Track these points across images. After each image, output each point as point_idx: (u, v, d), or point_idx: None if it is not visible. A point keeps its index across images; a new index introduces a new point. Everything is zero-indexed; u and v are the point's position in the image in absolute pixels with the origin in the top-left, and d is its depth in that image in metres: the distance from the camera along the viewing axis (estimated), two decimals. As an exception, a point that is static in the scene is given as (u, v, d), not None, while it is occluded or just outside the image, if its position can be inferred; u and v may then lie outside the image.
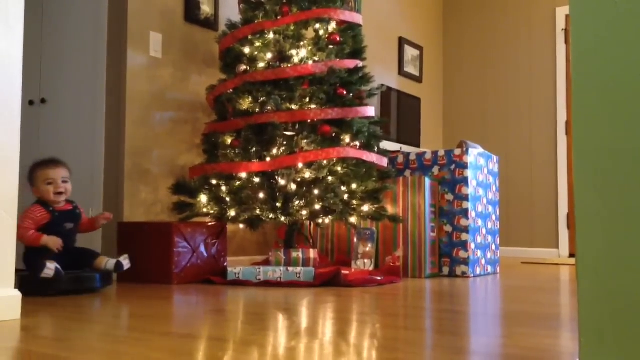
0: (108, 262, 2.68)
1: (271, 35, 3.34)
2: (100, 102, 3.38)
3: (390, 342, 1.55)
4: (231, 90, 3.31)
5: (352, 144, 3.24)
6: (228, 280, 2.99)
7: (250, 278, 2.98)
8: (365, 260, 3.33)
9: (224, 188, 3.20)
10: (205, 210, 3.24)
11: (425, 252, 3.44)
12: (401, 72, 5.68)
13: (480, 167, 3.73)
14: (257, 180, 3.14)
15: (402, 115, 5.03)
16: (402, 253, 3.42)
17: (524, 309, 2.16)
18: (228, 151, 3.25)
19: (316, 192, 3.08)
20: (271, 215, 3.13)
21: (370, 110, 3.33)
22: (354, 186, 3.17)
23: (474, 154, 3.66)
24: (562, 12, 5.85)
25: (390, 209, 3.47)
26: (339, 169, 3.17)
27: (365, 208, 3.21)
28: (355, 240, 3.42)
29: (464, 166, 3.57)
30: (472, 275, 3.52)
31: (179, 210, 3.29)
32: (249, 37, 3.34)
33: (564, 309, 2.21)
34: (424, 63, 6.08)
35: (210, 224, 3.24)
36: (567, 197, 5.65)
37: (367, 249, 3.36)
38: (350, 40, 3.40)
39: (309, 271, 2.95)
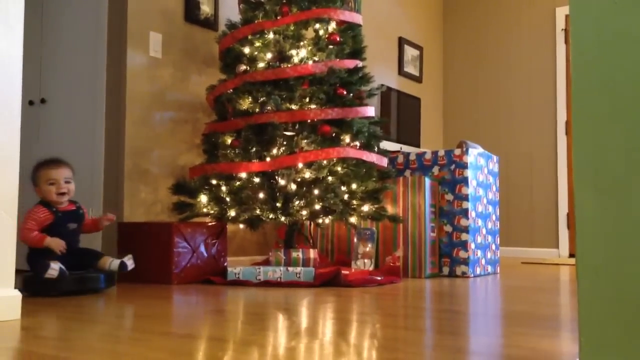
0: (112, 263, 2.68)
1: (271, 35, 3.34)
2: (100, 102, 3.38)
3: (390, 342, 1.55)
4: (231, 90, 3.31)
5: (352, 144, 3.24)
6: (228, 280, 2.99)
7: (250, 278, 2.98)
8: (365, 260, 3.33)
9: (224, 188, 3.20)
10: (205, 210, 3.24)
11: (425, 252, 3.44)
12: (401, 72, 5.68)
13: (480, 167, 3.73)
14: (257, 180, 3.14)
15: (402, 115, 5.03)
16: (402, 253, 3.42)
17: (524, 309, 2.16)
18: (228, 151, 3.25)
19: (316, 192, 3.08)
20: (271, 215, 3.13)
21: (370, 110, 3.33)
22: (354, 186, 3.17)
23: (474, 154, 3.66)
24: (562, 12, 5.86)
25: (390, 209, 3.47)
26: (339, 169, 3.17)
27: (365, 208, 3.21)
28: (355, 240, 3.42)
29: (464, 166, 3.57)
30: (472, 275, 3.52)
31: (179, 210, 3.29)
32: (249, 37, 3.34)
33: (564, 309, 2.21)
34: (424, 63, 6.09)
35: (210, 224, 3.24)
36: (567, 197, 5.65)
37: (367, 249, 3.36)
38: (350, 40, 3.40)
39: (309, 271, 2.95)
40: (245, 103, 3.24)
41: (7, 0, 1.96)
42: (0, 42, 1.94)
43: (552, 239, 5.71)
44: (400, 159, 3.86)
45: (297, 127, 3.22)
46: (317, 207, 3.10)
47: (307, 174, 3.11)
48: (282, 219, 3.16)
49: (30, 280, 2.54)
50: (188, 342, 1.53)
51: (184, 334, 1.64)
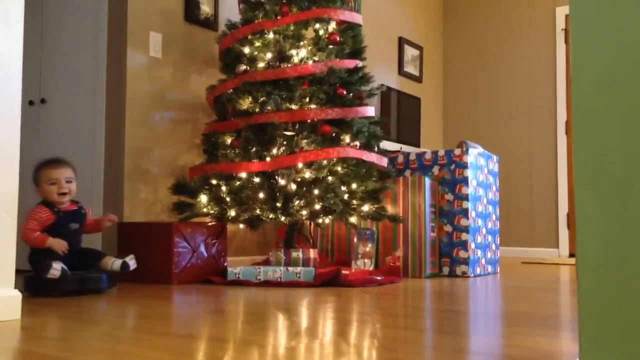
0: (114, 263, 2.67)
1: (271, 35, 3.34)
2: (100, 102, 3.38)
3: (390, 342, 1.55)
4: (231, 90, 3.31)
5: (352, 144, 3.24)
6: (228, 280, 2.99)
7: (250, 278, 2.98)
8: (365, 260, 3.33)
9: (224, 188, 3.20)
10: (205, 210, 3.24)
11: (425, 252, 3.44)
12: (401, 72, 5.68)
13: (480, 167, 3.73)
14: (257, 180, 3.14)
15: (402, 115, 5.03)
16: (402, 253, 3.42)
17: (524, 309, 2.16)
18: (228, 151, 3.25)
19: (316, 192, 3.08)
20: (271, 215, 3.13)
21: (370, 110, 3.33)
22: (354, 186, 3.17)
23: (474, 154, 3.66)
24: (562, 12, 5.86)
25: (390, 209, 3.47)
26: (339, 168, 3.17)
27: (365, 208, 3.21)
28: (355, 240, 3.42)
29: (464, 166, 3.57)
30: (472, 275, 3.52)
31: (179, 210, 3.29)
32: (249, 37, 3.34)
33: (564, 309, 2.21)
34: (424, 63, 6.09)
35: (210, 224, 3.24)
36: (567, 197, 5.65)
37: (367, 249, 3.36)
38: (350, 40, 3.40)
39: (309, 271, 2.95)
40: (245, 103, 3.24)
41: (7, 0, 1.96)
42: (0, 42, 1.94)
43: (552, 239, 5.71)
44: (400, 158, 3.86)
45: (297, 127, 3.22)
46: (317, 207, 3.10)
47: (307, 174, 3.11)
48: (282, 219, 3.16)
49: (32, 281, 2.54)
50: (188, 342, 1.53)
51: (184, 334, 1.65)
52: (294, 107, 3.20)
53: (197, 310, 2.10)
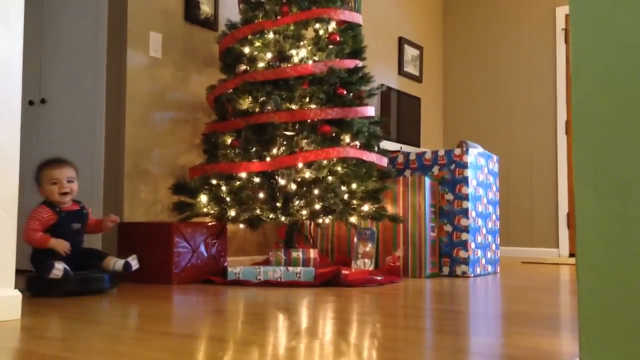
0: (116, 263, 2.67)
1: (271, 35, 3.34)
2: (100, 102, 3.38)
3: (390, 342, 1.55)
4: (231, 90, 3.31)
5: (352, 144, 3.24)
6: (228, 280, 2.99)
7: (250, 278, 2.98)
8: (365, 260, 3.33)
9: (224, 188, 3.20)
10: (205, 210, 3.24)
11: (425, 252, 3.44)
12: (401, 72, 5.68)
13: (480, 166, 3.73)
14: (257, 180, 3.14)
15: (402, 115, 5.03)
16: (402, 253, 3.42)
17: (524, 309, 2.16)
18: (228, 151, 3.25)
19: (316, 192, 3.08)
20: (271, 215, 3.13)
21: (370, 110, 3.33)
22: (354, 186, 3.17)
23: (474, 154, 3.66)
24: (562, 11, 5.86)
25: (390, 209, 3.47)
26: (339, 168, 3.17)
27: (365, 208, 3.21)
28: (355, 240, 3.42)
29: (464, 166, 3.57)
30: (472, 275, 3.52)
31: (179, 210, 3.29)
32: (249, 37, 3.34)
33: (564, 309, 2.21)
34: (424, 63, 6.09)
35: (210, 224, 3.24)
36: (567, 196, 5.65)
37: (367, 248, 3.36)
38: (350, 40, 3.40)
39: (309, 271, 2.95)
40: (245, 103, 3.24)
41: (7, 0, 1.96)
42: (0, 42, 1.94)
43: (552, 239, 5.71)
44: (400, 158, 3.86)
45: (297, 127, 3.22)
46: (317, 207, 3.10)
47: (307, 174, 3.11)
48: (282, 218, 3.16)
49: (34, 281, 2.54)
50: (188, 342, 1.53)
51: (184, 334, 1.65)
52: (294, 107, 3.20)
53: (197, 310, 2.10)
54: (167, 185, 3.45)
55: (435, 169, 3.67)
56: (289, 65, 3.26)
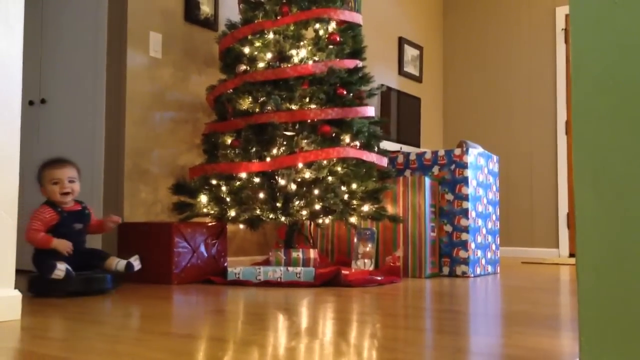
0: (118, 263, 2.67)
1: (271, 35, 3.34)
2: (100, 102, 3.38)
3: (390, 342, 1.55)
4: (231, 90, 3.31)
5: (352, 144, 3.24)
6: (228, 280, 2.99)
7: (250, 278, 2.98)
8: (365, 260, 3.33)
9: (224, 188, 3.20)
10: (205, 210, 3.24)
11: (425, 252, 3.44)
12: (401, 72, 5.68)
13: (480, 167, 3.73)
14: (257, 180, 3.14)
15: (402, 115, 5.03)
16: (402, 253, 3.42)
17: (524, 309, 2.16)
18: (228, 151, 3.25)
19: (316, 192, 3.08)
20: (271, 215, 3.13)
21: (370, 110, 3.33)
22: (354, 186, 3.17)
23: (474, 154, 3.66)
24: (562, 11, 5.86)
25: (390, 209, 3.47)
26: (339, 169, 3.17)
27: (365, 208, 3.21)
28: (355, 240, 3.42)
29: (464, 166, 3.57)
30: (472, 275, 3.52)
31: (179, 210, 3.29)
32: (249, 37, 3.34)
33: (564, 309, 2.21)
34: (424, 63, 6.09)
35: (210, 224, 3.24)
36: (567, 197, 5.65)
37: (367, 249, 3.36)
38: (350, 40, 3.40)
39: (309, 271, 2.95)
40: (245, 103, 3.24)
41: (7, 0, 1.96)
42: (0, 42, 1.94)
43: (552, 239, 5.71)
44: (400, 158, 3.86)
45: (297, 127, 3.22)
46: (317, 207, 3.10)
47: (307, 174, 3.11)
48: (282, 219, 3.16)
49: (36, 281, 2.54)
50: (188, 342, 1.53)
51: (184, 334, 1.65)
52: (294, 107, 3.20)
53: (197, 311, 2.10)
54: (167, 186, 3.45)
55: (435, 169, 3.67)
56: (289, 65, 3.26)
